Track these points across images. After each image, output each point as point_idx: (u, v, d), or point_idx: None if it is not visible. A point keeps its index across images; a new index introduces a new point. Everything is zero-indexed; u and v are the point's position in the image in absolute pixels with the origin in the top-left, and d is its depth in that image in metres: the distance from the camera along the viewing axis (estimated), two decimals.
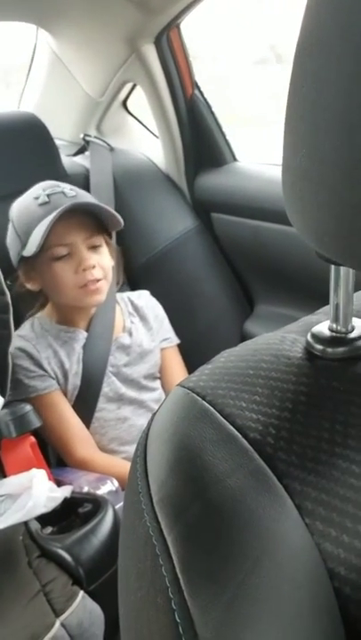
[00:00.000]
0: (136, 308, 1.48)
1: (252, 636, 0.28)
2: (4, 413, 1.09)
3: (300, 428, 0.36)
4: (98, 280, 1.26)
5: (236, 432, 0.36)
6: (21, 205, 1.29)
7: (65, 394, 1.33)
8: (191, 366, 1.52)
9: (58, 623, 0.81)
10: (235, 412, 0.38)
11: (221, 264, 1.75)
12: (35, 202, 1.25)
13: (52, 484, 1.04)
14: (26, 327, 1.35)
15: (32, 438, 1.12)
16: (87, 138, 1.77)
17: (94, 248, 1.28)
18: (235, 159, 1.73)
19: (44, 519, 0.98)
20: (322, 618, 0.29)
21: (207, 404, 0.39)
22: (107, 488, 1.11)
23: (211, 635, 0.29)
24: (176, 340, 1.53)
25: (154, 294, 1.55)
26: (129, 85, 1.75)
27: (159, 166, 1.80)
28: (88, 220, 1.26)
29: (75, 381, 1.33)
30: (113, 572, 0.90)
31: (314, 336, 0.42)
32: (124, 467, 1.25)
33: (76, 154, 1.80)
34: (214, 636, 0.29)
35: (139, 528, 0.35)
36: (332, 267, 0.40)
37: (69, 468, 1.30)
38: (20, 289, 1.32)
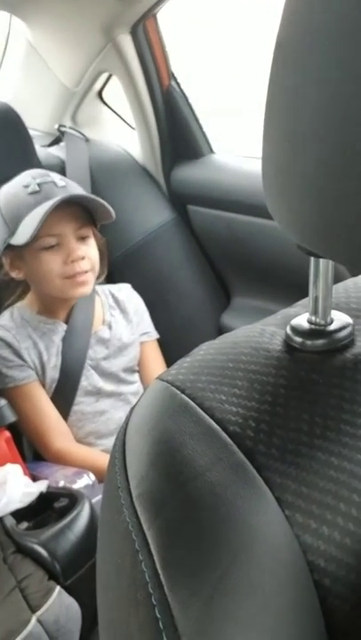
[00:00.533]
0: (117, 301, 1.47)
1: (232, 629, 0.28)
2: None
3: (280, 421, 0.36)
4: (85, 272, 1.26)
5: (216, 425, 0.36)
6: (8, 193, 1.27)
7: (43, 386, 1.32)
8: (169, 359, 1.52)
9: (34, 619, 0.81)
10: (214, 405, 0.38)
11: (198, 257, 1.75)
12: (24, 190, 1.24)
13: (28, 479, 1.04)
14: (5, 316, 1.34)
15: (7, 433, 1.11)
16: (62, 128, 1.75)
17: (83, 239, 1.27)
18: (211, 151, 1.73)
19: (19, 514, 0.97)
20: (302, 610, 0.29)
21: (186, 398, 0.38)
22: (83, 482, 1.11)
23: (191, 630, 0.29)
24: (156, 335, 1.52)
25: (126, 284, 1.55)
26: (105, 75, 1.74)
27: (135, 158, 1.80)
28: (78, 210, 1.25)
29: (53, 374, 1.32)
30: (90, 567, 0.89)
31: (293, 329, 0.42)
32: (102, 459, 1.25)
33: (50, 144, 1.78)
34: (195, 631, 0.29)
35: (118, 523, 0.35)
36: (312, 259, 0.40)
37: (45, 462, 1.29)
38: (3, 277, 1.31)
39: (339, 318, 0.42)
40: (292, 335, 0.42)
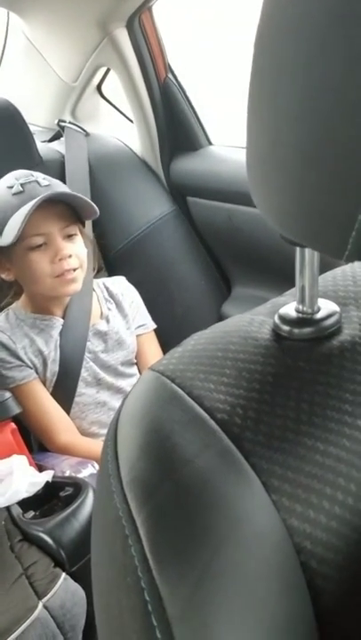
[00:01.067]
0: (112, 295, 1.48)
1: (220, 612, 0.29)
2: None
3: (267, 408, 0.36)
4: (74, 269, 1.26)
5: (205, 413, 0.37)
6: None
7: (44, 381, 1.33)
8: (169, 350, 1.51)
9: (40, 605, 0.82)
10: (203, 393, 0.38)
11: (198, 248, 1.75)
12: (8, 191, 1.24)
13: (34, 470, 1.05)
14: (0, 319, 1.35)
15: (13, 425, 1.13)
16: (62, 123, 1.74)
17: (70, 237, 1.27)
18: (210, 143, 1.72)
19: (25, 504, 0.98)
20: (289, 592, 0.30)
21: (176, 387, 0.39)
22: (88, 471, 1.12)
23: (179, 613, 0.29)
24: (152, 326, 1.53)
25: (132, 279, 1.55)
26: (103, 70, 1.73)
27: (135, 151, 1.79)
28: (64, 209, 1.26)
29: (53, 367, 1.33)
30: None
31: (281, 317, 0.42)
32: None
33: (51, 140, 1.78)
34: (183, 613, 0.29)
35: (109, 510, 0.36)
36: (298, 249, 0.41)
37: (51, 452, 1.30)
38: None
39: (326, 307, 0.43)
40: (280, 324, 0.42)
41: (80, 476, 1.09)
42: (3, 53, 1.88)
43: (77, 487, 0.99)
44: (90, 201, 1.27)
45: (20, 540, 0.91)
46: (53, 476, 1.03)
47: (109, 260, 1.68)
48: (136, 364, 1.49)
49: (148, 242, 1.68)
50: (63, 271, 1.25)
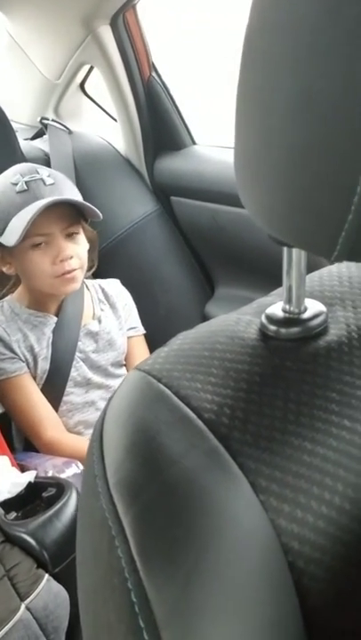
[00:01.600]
0: (106, 296, 1.48)
1: (207, 613, 0.29)
2: None
3: (255, 408, 0.36)
4: (74, 269, 1.26)
5: (192, 413, 0.37)
6: None
7: (34, 377, 1.33)
8: (153, 349, 1.51)
9: (23, 607, 0.82)
10: (190, 393, 0.38)
11: (182, 248, 1.76)
12: (12, 187, 1.23)
13: (16, 470, 1.04)
14: None
15: None
16: (45, 121, 1.74)
17: (71, 237, 1.27)
18: (193, 142, 1.73)
19: (7, 505, 0.98)
20: (277, 592, 0.30)
21: (163, 387, 0.39)
22: (71, 471, 1.11)
23: (167, 614, 0.29)
24: (142, 330, 1.53)
25: (115, 279, 1.55)
26: (86, 67, 1.73)
27: (118, 150, 1.79)
28: (67, 209, 1.25)
29: (44, 365, 1.33)
30: None
31: (268, 317, 0.42)
32: None
33: (33, 137, 1.77)
34: (170, 614, 0.29)
35: (95, 511, 0.35)
36: (285, 249, 0.41)
37: (35, 452, 1.30)
38: None
39: (313, 307, 0.43)
40: (266, 324, 0.42)
41: (63, 476, 1.09)
42: None
43: (60, 488, 0.98)
44: (94, 208, 1.25)
45: (2, 541, 0.90)
46: (36, 477, 1.02)
47: None
48: (125, 365, 1.49)
49: (131, 241, 1.68)
50: (64, 271, 1.24)
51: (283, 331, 0.41)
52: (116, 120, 1.75)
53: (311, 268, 0.45)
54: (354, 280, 0.47)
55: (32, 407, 1.31)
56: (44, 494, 0.99)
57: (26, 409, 1.30)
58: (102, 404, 1.36)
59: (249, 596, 0.30)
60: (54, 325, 1.35)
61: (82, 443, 1.31)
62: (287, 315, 0.42)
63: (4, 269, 1.31)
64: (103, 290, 1.49)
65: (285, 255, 0.41)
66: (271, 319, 0.42)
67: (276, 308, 0.43)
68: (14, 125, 1.59)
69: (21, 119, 1.86)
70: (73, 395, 1.37)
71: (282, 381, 0.38)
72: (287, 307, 0.42)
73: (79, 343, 1.37)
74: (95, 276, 1.56)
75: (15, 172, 1.26)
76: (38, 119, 1.75)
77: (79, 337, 1.37)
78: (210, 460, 0.34)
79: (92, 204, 1.26)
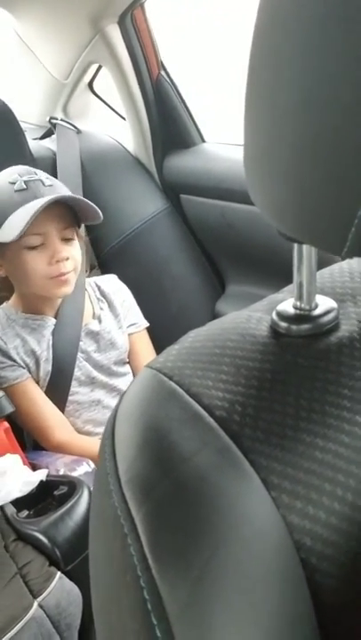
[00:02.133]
0: (103, 294, 1.47)
1: (220, 610, 0.29)
2: None
3: (266, 405, 0.36)
4: (69, 272, 1.25)
5: (203, 410, 0.37)
6: None
7: (38, 380, 1.33)
8: (164, 347, 1.51)
9: (36, 604, 0.82)
10: (201, 391, 0.38)
11: (192, 245, 1.76)
12: (10, 186, 1.22)
13: (28, 469, 1.05)
14: None
15: (6, 424, 1.12)
16: (54, 121, 1.74)
17: (67, 240, 1.26)
18: (203, 140, 1.72)
19: (19, 503, 0.98)
20: (289, 589, 0.30)
21: (174, 384, 0.39)
22: (82, 469, 1.12)
23: (179, 611, 0.29)
24: (144, 325, 1.52)
25: (125, 277, 1.54)
26: (94, 67, 1.73)
27: (127, 148, 1.79)
28: (64, 211, 1.24)
29: (46, 367, 1.33)
30: None
31: (279, 314, 0.42)
32: None
33: (42, 137, 1.78)
34: (183, 611, 0.29)
35: (107, 508, 0.36)
36: (295, 245, 0.41)
37: (45, 451, 1.30)
38: None
39: (324, 303, 0.43)
40: (277, 321, 0.42)
41: (75, 474, 1.09)
42: None
43: (72, 486, 0.99)
44: (95, 206, 1.25)
45: (15, 539, 0.91)
46: (47, 475, 1.03)
47: (102, 258, 1.68)
48: (129, 362, 1.48)
49: (141, 240, 1.68)
50: (59, 273, 1.24)
51: (294, 327, 0.41)
52: (124, 119, 1.74)
53: (322, 264, 0.45)
54: None
55: (38, 412, 1.31)
56: (56, 492, 1.00)
57: (32, 414, 1.30)
58: (109, 402, 1.37)
59: (261, 592, 0.30)
60: (53, 327, 1.34)
61: (90, 443, 1.31)
62: (298, 311, 0.42)
63: None
64: (100, 288, 1.48)
65: (296, 251, 0.41)
66: (282, 316, 0.42)
67: (287, 305, 0.43)
68: (23, 125, 1.59)
69: (30, 119, 1.86)
70: (78, 394, 1.37)
71: (293, 378, 0.38)
72: (298, 303, 0.42)
73: (80, 343, 1.37)
74: (105, 273, 1.56)
75: (12, 172, 1.26)
76: (47, 119, 1.76)
77: (80, 337, 1.37)
78: (221, 458, 0.34)
79: (99, 202, 1.26)
